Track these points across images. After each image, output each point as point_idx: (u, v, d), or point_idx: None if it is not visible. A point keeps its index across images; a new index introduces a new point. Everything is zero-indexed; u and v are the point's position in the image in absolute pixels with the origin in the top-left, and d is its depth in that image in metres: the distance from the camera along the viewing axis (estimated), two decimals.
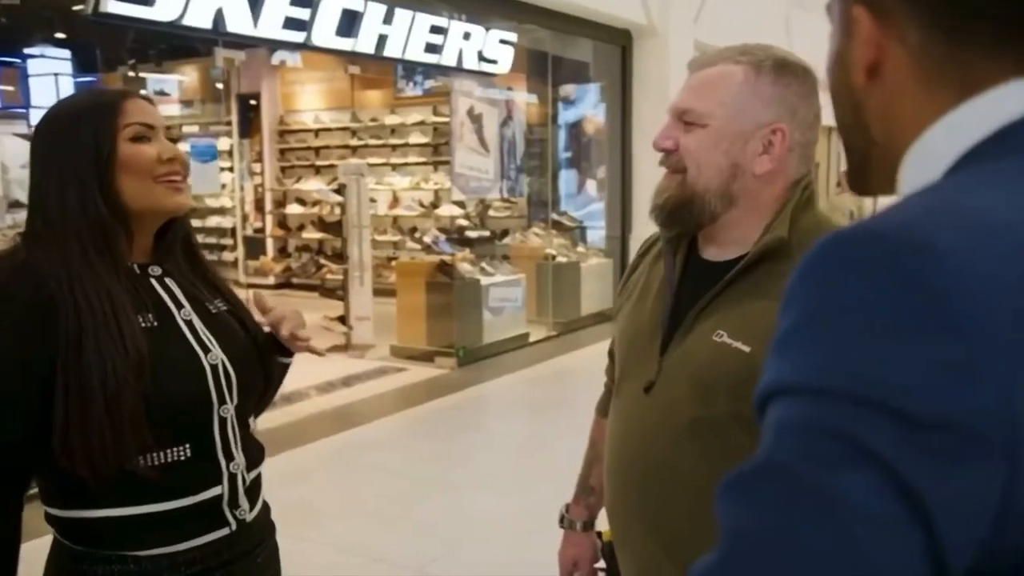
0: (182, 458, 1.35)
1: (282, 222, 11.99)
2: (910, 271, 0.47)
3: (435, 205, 10.67)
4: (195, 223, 10.71)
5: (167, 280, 1.44)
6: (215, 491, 1.39)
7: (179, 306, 1.43)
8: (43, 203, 1.36)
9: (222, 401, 1.41)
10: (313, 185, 11.37)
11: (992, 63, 0.55)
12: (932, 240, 0.48)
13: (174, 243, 1.48)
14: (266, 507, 1.54)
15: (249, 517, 1.45)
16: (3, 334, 1.27)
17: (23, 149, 7.28)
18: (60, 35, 9.94)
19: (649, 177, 8.48)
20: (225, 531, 1.40)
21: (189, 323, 1.42)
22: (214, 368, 1.40)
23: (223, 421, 1.41)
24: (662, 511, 1.31)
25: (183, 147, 9.77)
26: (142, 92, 1.45)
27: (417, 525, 4.05)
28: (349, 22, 5.93)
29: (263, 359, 1.54)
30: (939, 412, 0.46)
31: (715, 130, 1.28)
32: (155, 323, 1.37)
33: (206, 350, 1.41)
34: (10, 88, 9.63)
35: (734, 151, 1.28)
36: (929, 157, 0.57)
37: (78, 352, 1.27)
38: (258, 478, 1.50)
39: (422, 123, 11.08)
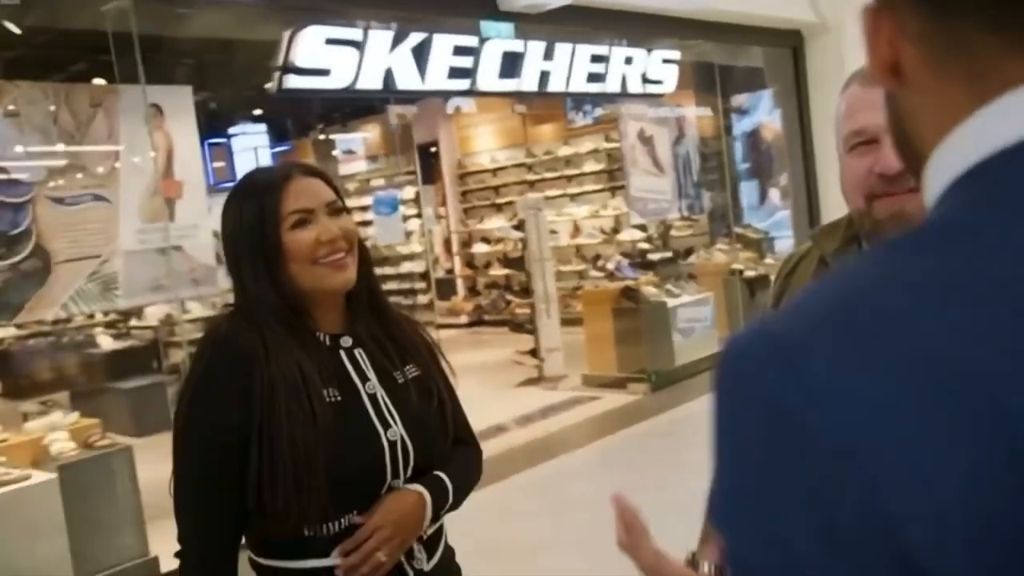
0: (353, 522, 1.41)
1: (469, 262, 12.38)
2: (775, 408, 0.42)
3: (616, 230, 10.67)
4: (389, 270, 11.33)
5: (356, 352, 1.48)
6: None
7: (364, 379, 1.46)
8: (233, 279, 1.48)
9: (396, 476, 1.44)
10: (495, 223, 11.69)
11: (996, 45, 0.47)
12: (815, 372, 0.42)
13: (359, 307, 1.52)
14: (449, 552, 1.57)
15: (427, 567, 1.49)
16: (209, 412, 1.38)
17: None
18: (256, 112, 10.82)
19: (835, 178, 8.08)
20: None
21: (372, 396, 1.45)
22: (392, 444, 1.43)
23: (392, 489, 1.44)
24: None
25: (367, 200, 10.26)
26: (306, 169, 1.51)
27: (616, 556, 4.01)
28: (511, 64, 6.07)
29: (447, 429, 1.54)
30: None
31: None
32: (339, 397, 1.42)
33: (386, 425, 1.44)
34: (220, 164, 10.55)
35: None
36: (936, 175, 0.50)
37: (270, 421, 1.35)
38: (437, 530, 1.52)
39: (595, 151, 11.15)
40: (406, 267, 11.59)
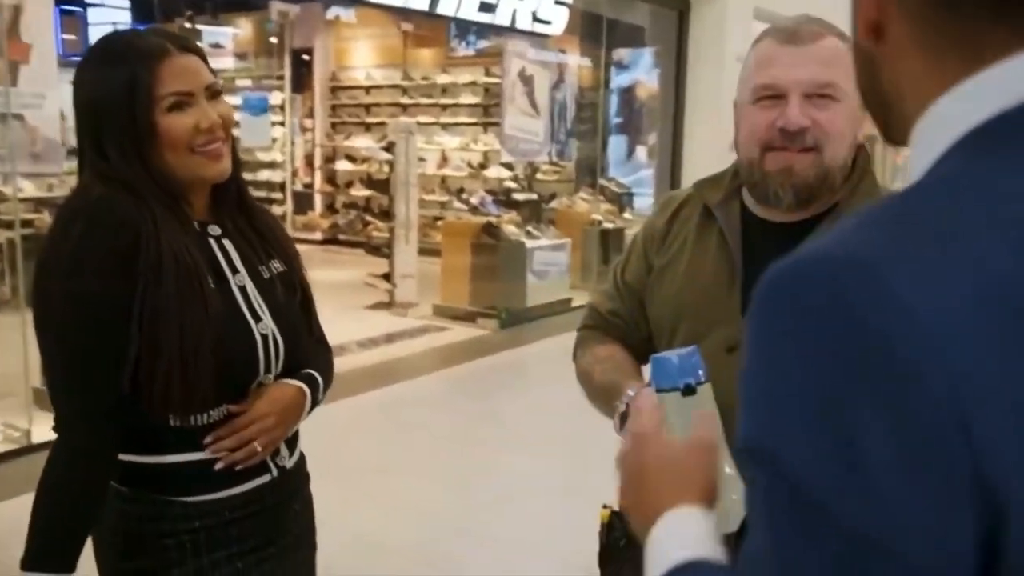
0: (222, 417, 1.37)
1: (331, 178, 12.07)
2: (853, 328, 0.44)
3: (483, 166, 10.65)
4: (246, 176, 10.92)
5: (224, 241, 1.41)
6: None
7: (234, 271, 1.40)
8: (91, 152, 1.33)
9: (267, 370, 1.40)
10: (363, 142, 11.41)
11: (1000, 33, 0.49)
12: (889, 284, 0.44)
13: (227, 199, 1.45)
14: (302, 457, 1.55)
15: (289, 464, 1.47)
16: (90, 278, 1.24)
17: None
18: None
19: (701, 144, 8.35)
20: (267, 478, 1.43)
21: (242, 289, 1.39)
22: (264, 338, 1.38)
23: (261, 385, 1.41)
24: None
25: (234, 100, 9.80)
26: (183, 43, 1.35)
27: (453, 482, 4.09)
28: None
29: (311, 326, 1.52)
30: (869, 532, 0.43)
31: (848, 105, 1.29)
32: (213, 286, 1.34)
33: (257, 319, 1.38)
34: (72, 37, 9.74)
35: (856, 124, 1.32)
36: (937, 131, 0.52)
37: (155, 299, 1.25)
38: (295, 432, 1.50)
39: (473, 83, 11.03)
40: (264, 175, 11.18)
